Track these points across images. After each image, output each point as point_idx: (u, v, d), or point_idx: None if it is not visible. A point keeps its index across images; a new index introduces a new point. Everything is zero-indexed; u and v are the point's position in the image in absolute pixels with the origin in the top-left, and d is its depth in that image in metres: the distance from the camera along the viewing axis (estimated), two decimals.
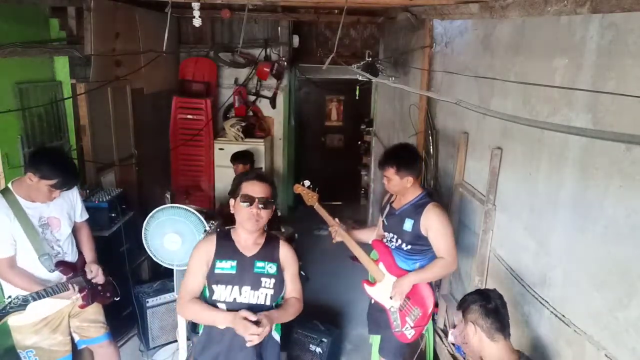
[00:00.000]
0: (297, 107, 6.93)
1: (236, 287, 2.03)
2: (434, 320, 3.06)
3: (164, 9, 3.41)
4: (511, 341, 1.83)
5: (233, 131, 5.77)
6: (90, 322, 2.81)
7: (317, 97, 7.09)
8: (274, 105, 6.21)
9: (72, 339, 2.79)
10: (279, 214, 4.96)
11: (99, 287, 2.78)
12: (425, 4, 3.03)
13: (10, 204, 2.42)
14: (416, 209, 2.61)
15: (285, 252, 2.14)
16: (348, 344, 3.92)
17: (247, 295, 2.03)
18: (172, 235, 2.69)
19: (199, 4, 3.06)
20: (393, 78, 4.35)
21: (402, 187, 2.61)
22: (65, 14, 3.70)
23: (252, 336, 1.89)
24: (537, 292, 2.14)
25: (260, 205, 2.01)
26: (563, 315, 1.93)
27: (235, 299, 2.02)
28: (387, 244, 2.76)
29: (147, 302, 3.59)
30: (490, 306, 1.79)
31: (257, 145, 5.81)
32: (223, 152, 5.70)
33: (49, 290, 2.45)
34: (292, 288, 2.16)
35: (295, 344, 3.56)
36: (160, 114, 5.48)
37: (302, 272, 4.50)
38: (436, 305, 2.71)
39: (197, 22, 3.10)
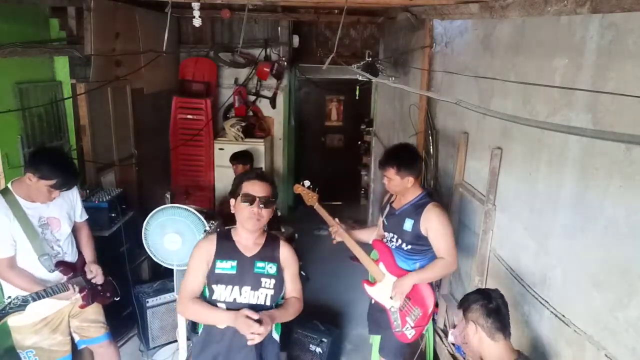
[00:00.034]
0: (297, 107, 6.93)
1: (236, 287, 2.03)
2: (434, 320, 3.06)
3: (164, 9, 3.41)
4: (511, 341, 1.84)
5: (233, 131, 5.77)
6: (90, 322, 2.81)
7: (317, 97, 7.09)
8: (274, 105, 6.21)
9: (72, 339, 2.79)
10: (279, 214, 4.96)
11: (99, 287, 2.78)
12: (425, 4, 3.03)
13: (9, 204, 2.42)
14: (416, 209, 2.61)
15: (286, 253, 2.14)
16: (348, 344, 3.92)
17: (247, 296, 2.03)
18: (172, 235, 2.69)
19: (199, 4, 3.06)
20: (393, 78, 4.35)
21: (403, 187, 2.61)
22: (65, 14, 3.70)
23: (253, 335, 1.89)
24: (537, 292, 2.14)
25: (261, 205, 2.01)
26: (563, 315, 1.93)
27: (235, 299, 2.02)
28: (387, 244, 2.76)
29: (147, 302, 3.59)
30: (492, 306, 1.79)
31: (257, 145, 5.81)
32: (223, 152, 5.69)
33: (49, 291, 2.45)
34: (293, 288, 2.16)
35: (295, 344, 3.56)
36: (160, 114, 5.48)
37: (302, 272, 4.51)
38: (436, 305, 2.71)
39: (197, 22, 3.10)
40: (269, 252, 2.11)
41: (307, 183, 2.83)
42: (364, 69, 3.92)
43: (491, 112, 2.14)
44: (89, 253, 2.81)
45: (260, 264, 2.07)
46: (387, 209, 2.80)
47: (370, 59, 4.18)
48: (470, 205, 2.94)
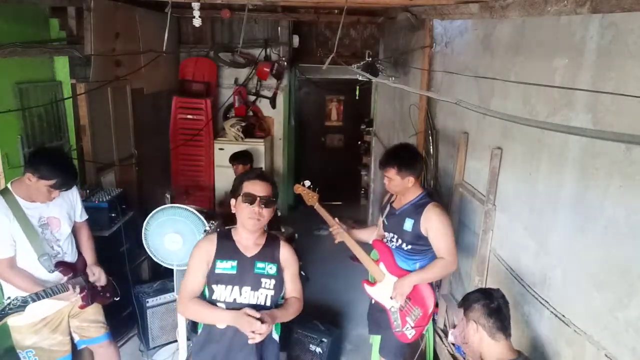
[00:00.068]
0: (297, 107, 6.93)
1: (236, 287, 2.03)
2: (434, 320, 3.06)
3: (164, 9, 3.42)
4: (511, 341, 1.84)
5: (233, 131, 5.77)
6: (90, 322, 2.81)
7: (317, 97, 7.09)
8: (274, 105, 6.21)
9: (72, 339, 2.79)
10: (279, 214, 4.95)
11: (99, 288, 2.78)
12: (425, 4, 3.03)
13: (9, 204, 2.42)
14: (416, 209, 2.61)
15: (286, 253, 2.14)
16: (348, 344, 3.92)
17: (247, 296, 2.03)
18: (173, 235, 2.69)
19: (199, 4, 3.06)
20: (393, 78, 4.35)
21: (404, 187, 2.61)
22: (65, 14, 3.70)
23: (254, 334, 1.89)
24: (537, 292, 2.14)
25: (262, 204, 2.01)
26: (563, 315, 1.93)
27: (235, 299, 2.02)
28: (387, 243, 2.76)
29: (147, 302, 3.59)
30: (493, 305, 1.80)
31: (257, 145, 5.81)
32: (223, 152, 5.70)
33: (49, 291, 2.45)
34: (293, 288, 2.17)
35: (295, 344, 3.56)
36: (160, 114, 5.48)
37: (302, 272, 4.50)
38: (436, 305, 2.71)
39: (197, 22, 3.10)
40: (269, 252, 2.11)
41: (307, 183, 2.83)
42: (364, 69, 3.92)
43: (491, 112, 2.14)
44: (89, 254, 2.81)
45: (260, 265, 2.07)
46: (387, 208, 2.80)
47: (370, 59, 4.18)
48: (470, 205, 2.94)
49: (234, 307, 2.01)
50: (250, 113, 6.22)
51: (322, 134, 7.27)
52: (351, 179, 7.25)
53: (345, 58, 5.16)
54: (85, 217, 2.83)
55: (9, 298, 2.35)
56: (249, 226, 2.03)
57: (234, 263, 2.05)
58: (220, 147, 5.79)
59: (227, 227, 2.23)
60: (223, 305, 2.03)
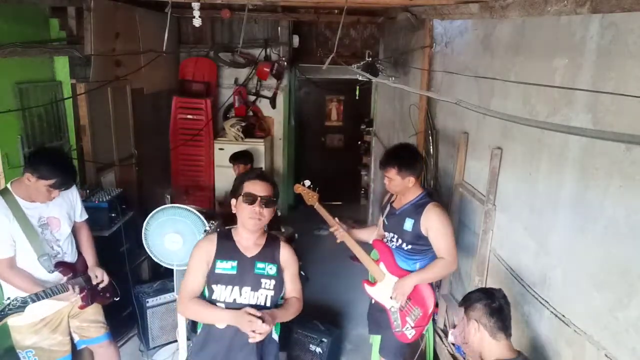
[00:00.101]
0: (297, 107, 6.93)
1: (236, 288, 2.03)
2: (434, 320, 3.06)
3: (164, 9, 3.42)
4: (511, 341, 1.84)
5: (233, 131, 5.77)
6: (90, 322, 2.81)
7: (317, 97, 7.09)
8: (274, 105, 6.22)
9: (72, 339, 2.79)
10: (279, 214, 4.96)
11: (99, 288, 2.78)
12: (425, 4, 3.03)
13: (9, 204, 2.42)
14: (416, 209, 2.61)
15: (286, 254, 2.15)
16: (348, 344, 3.92)
17: (247, 296, 2.03)
18: (173, 235, 2.69)
19: (199, 4, 3.06)
20: (393, 78, 4.35)
21: (404, 187, 2.61)
22: (65, 14, 3.70)
23: (254, 333, 1.89)
24: (537, 292, 2.14)
25: (263, 204, 2.01)
26: (563, 315, 1.93)
27: (235, 299, 2.02)
28: (387, 243, 2.76)
29: (147, 302, 3.59)
30: (495, 305, 1.80)
31: (257, 145, 5.81)
32: (223, 152, 5.70)
33: (48, 292, 2.45)
34: (292, 288, 2.17)
35: (295, 344, 3.56)
36: (160, 114, 5.48)
37: (302, 272, 4.50)
38: (436, 305, 2.71)
39: (197, 22, 3.09)
40: (269, 253, 2.11)
41: (307, 183, 2.83)
42: (364, 69, 3.92)
43: (491, 112, 2.14)
44: (90, 255, 2.80)
45: (260, 265, 2.07)
46: (388, 208, 2.80)
47: (370, 59, 4.18)
48: (470, 205, 2.94)
49: (234, 307, 2.01)
50: (250, 113, 6.22)
51: (322, 134, 7.27)
52: (351, 179, 7.25)
53: (345, 58, 5.16)
54: (85, 217, 2.83)
55: (8, 298, 2.35)
56: (249, 226, 2.03)
57: (234, 263, 2.05)
58: (220, 147, 5.79)
59: (227, 227, 2.23)
60: (223, 306, 2.03)
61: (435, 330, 3.18)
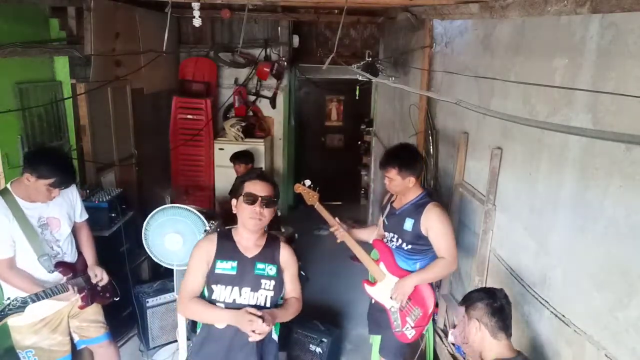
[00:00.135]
0: (297, 107, 6.93)
1: (236, 288, 2.03)
2: (434, 320, 3.06)
3: (164, 9, 3.42)
4: (511, 341, 1.84)
5: (233, 131, 5.77)
6: (90, 322, 2.81)
7: (317, 97, 7.09)
8: (274, 105, 6.22)
9: (72, 339, 2.79)
10: (279, 214, 4.96)
11: (99, 288, 2.78)
12: (425, 4, 3.03)
13: (9, 204, 2.42)
14: (417, 209, 2.61)
15: (286, 254, 2.15)
16: (348, 344, 3.92)
17: (247, 297, 2.03)
18: (173, 235, 2.69)
19: (199, 4, 3.06)
20: (393, 78, 4.35)
21: (404, 187, 2.61)
22: (65, 14, 3.70)
23: (254, 334, 1.89)
24: (537, 292, 2.14)
25: (263, 204, 2.01)
26: (563, 315, 1.93)
27: (234, 299, 2.02)
28: (387, 243, 2.76)
29: (147, 302, 3.59)
30: (497, 305, 1.81)
31: (257, 145, 5.81)
32: (223, 152, 5.70)
33: (48, 292, 2.45)
34: (292, 288, 2.17)
35: (295, 344, 3.56)
36: (160, 114, 5.48)
37: (302, 272, 4.51)
38: (436, 305, 2.71)
39: (197, 22, 3.09)
40: (269, 253, 2.11)
41: (307, 182, 2.83)
42: (364, 69, 3.92)
43: (491, 112, 2.14)
44: (90, 255, 2.80)
45: (260, 265, 2.07)
46: (388, 208, 2.80)
47: (370, 59, 4.18)
48: (470, 205, 2.94)
49: (234, 307, 2.01)
50: (250, 113, 6.22)
51: (322, 134, 7.27)
52: (351, 179, 7.25)
53: (345, 58, 5.17)
54: (86, 217, 2.83)
55: (8, 299, 2.35)
56: (250, 226, 2.03)
57: (234, 264, 2.05)
58: (220, 147, 5.80)
59: (227, 227, 2.23)
60: (222, 306, 2.03)
61: (435, 330, 3.18)
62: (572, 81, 1.84)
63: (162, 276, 3.76)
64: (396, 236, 2.71)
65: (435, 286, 3.03)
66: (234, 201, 2.09)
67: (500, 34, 2.51)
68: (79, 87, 3.79)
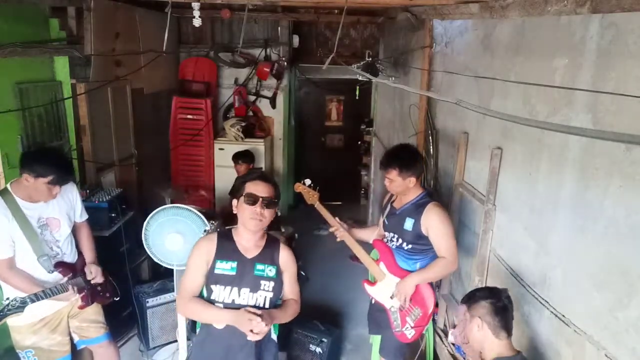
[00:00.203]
0: (297, 107, 6.93)
1: (235, 289, 2.03)
2: (434, 320, 3.06)
3: (164, 9, 3.42)
4: (511, 340, 1.85)
5: (233, 131, 5.77)
6: (89, 322, 2.81)
7: (317, 97, 7.09)
8: (274, 105, 6.22)
9: (72, 339, 2.79)
10: (279, 213, 4.95)
11: (99, 288, 2.78)
12: (425, 4, 3.03)
13: (8, 204, 2.42)
14: (417, 209, 2.61)
15: (285, 256, 2.15)
16: (348, 344, 3.92)
17: (246, 297, 2.03)
18: (174, 235, 2.69)
19: (199, 4, 3.06)
20: (393, 78, 4.35)
21: (405, 188, 2.62)
22: (65, 14, 3.70)
23: (253, 334, 1.89)
24: (537, 292, 2.14)
25: (264, 205, 2.01)
26: (563, 315, 1.93)
27: (233, 300, 2.02)
28: (387, 243, 2.76)
29: (147, 302, 3.59)
30: (500, 304, 1.82)
31: (257, 145, 5.81)
32: (223, 152, 5.70)
33: (48, 292, 2.45)
34: (291, 290, 2.17)
35: (295, 344, 3.56)
36: (160, 114, 5.48)
37: (302, 272, 4.51)
38: (436, 305, 2.71)
39: (197, 22, 3.09)
40: (268, 254, 2.11)
41: (307, 182, 2.83)
42: (364, 69, 3.92)
43: (491, 112, 2.14)
44: (89, 253, 2.81)
45: (260, 266, 2.07)
46: (388, 208, 2.80)
47: (370, 59, 4.18)
48: (470, 205, 2.94)
49: (232, 308, 2.01)
50: (250, 113, 6.22)
51: (322, 134, 7.27)
52: (351, 179, 7.25)
53: (345, 58, 5.17)
54: (86, 217, 2.83)
55: (7, 299, 2.35)
56: (250, 226, 2.03)
57: (234, 264, 2.04)
58: (220, 147, 5.80)
59: (227, 227, 2.23)
60: (221, 306, 2.03)
61: (435, 330, 3.18)
62: (572, 81, 1.84)
63: (162, 276, 3.76)
64: (396, 236, 2.71)
65: (435, 286, 3.03)
66: (234, 201, 2.09)
67: (500, 34, 2.51)
68: (79, 87, 3.79)
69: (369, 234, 2.94)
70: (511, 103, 2.35)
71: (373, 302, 2.89)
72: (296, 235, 4.83)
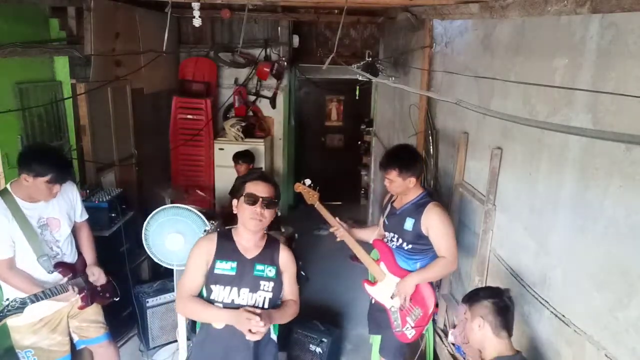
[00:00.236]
0: (297, 107, 6.93)
1: (235, 289, 2.02)
2: (434, 320, 3.06)
3: (164, 9, 3.42)
4: (511, 340, 1.85)
5: (233, 131, 5.77)
6: (89, 323, 2.81)
7: (317, 97, 7.09)
8: (274, 105, 6.22)
9: (71, 339, 2.79)
10: (279, 213, 4.95)
11: (98, 288, 2.78)
12: (425, 4, 3.03)
13: (8, 204, 2.41)
14: (417, 208, 2.61)
15: (285, 256, 2.15)
16: (348, 344, 3.92)
17: (245, 297, 2.03)
18: (174, 235, 2.69)
19: (199, 4, 3.06)
20: (393, 78, 4.35)
21: (405, 188, 2.62)
22: (65, 14, 3.70)
23: (252, 333, 1.89)
24: (537, 292, 2.14)
25: (264, 205, 2.01)
26: (563, 315, 1.93)
27: (233, 300, 2.02)
28: (388, 243, 2.76)
29: (147, 302, 3.59)
30: (502, 304, 1.84)
31: (257, 145, 5.81)
32: (223, 152, 5.70)
33: (48, 292, 2.45)
34: (290, 291, 2.17)
35: (295, 344, 3.56)
36: (160, 114, 5.48)
37: (302, 272, 4.51)
38: (436, 305, 2.71)
39: (197, 22, 3.10)
40: (268, 255, 2.11)
41: (307, 181, 2.83)
42: (364, 69, 3.92)
43: (491, 112, 2.14)
44: (89, 255, 2.80)
45: (260, 267, 2.07)
46: (388, 208, 2.80)
47: (370, 59, 4.18)
48: (470, 205, 2.94)
49: (232, 308, 2.01)
50: (250, 113, 6.22)
51: (322, 134, 7.27)
52: (351, 179, 7.25)
53: (345, 58, 5.17)
54: (86, 217, 2.83)
55: (7, 299, 2.35)
56: (250, 227, 2.03)
57: (234, 264, 2.04)
58: (220, 147, 5.79)
59: (227, 227, 2.23)
60: (221, 306, 2.03)
61: (435, 330, 3.18)
62: (572, 81, 1.84)
63: (162, 276, 3.76)
64: (396, 236, 2.71)
65: (435, 286, 3.03)
66: (234, 201, 2.09)
67: (500, 34, 2.51)
68: (79, 87, 3.79)
69: (369, 234, 2.94)
70: (511, 103, 2.35)
71: (373, 302, 2.89)
72: (296, 235, 4.83)
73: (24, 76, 3.37)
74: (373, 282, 2.80)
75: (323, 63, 2.94)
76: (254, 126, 6.02)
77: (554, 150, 2.01)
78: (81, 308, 2.70)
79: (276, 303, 2.11)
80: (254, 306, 2.02)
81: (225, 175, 5.50)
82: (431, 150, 3.58)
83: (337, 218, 2.82)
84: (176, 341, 2.98)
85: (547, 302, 2.05)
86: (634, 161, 1.53)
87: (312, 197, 2.82)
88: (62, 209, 2.63)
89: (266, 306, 2.05)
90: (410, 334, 2.68)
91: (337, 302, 4.46)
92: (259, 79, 6.04)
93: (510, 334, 1.84)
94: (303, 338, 3.55)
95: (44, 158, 2.44)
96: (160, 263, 2.80)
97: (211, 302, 2.03)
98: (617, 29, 1.61)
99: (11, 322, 2.53)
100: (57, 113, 3.72)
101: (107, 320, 2.91)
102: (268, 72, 5.87)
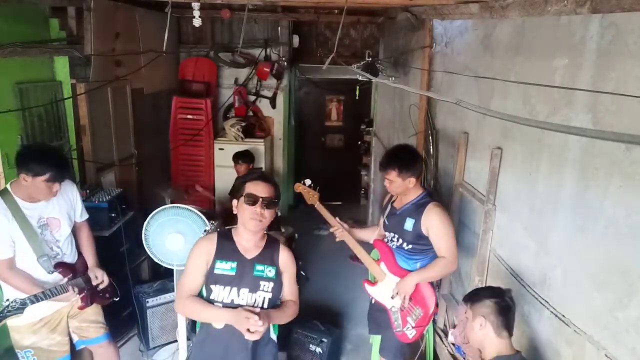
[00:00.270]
0: (297, 107, 6.93)
1: (234, 289, 2.03)
2: (434, 320, 3.06)
3: (164, 9, 3.42)
4: (511, 340, 1.85)
5: (233, 131, 5.77)
6: (89, 323, 2.81)
7: (317, 97, 7.09)
8: (274, 105, 6.22)
9: (71, 339, 2.79)
10: (279, 214, 4.95)
11: (99, 288, 2.77)
12: (425, 4, 3.03)
13: (8, 204, 2.41)
14: (417, 209, 2.61)
15: (285, 257, 2.15)
16: (348, 344, 3.92)
17: (245, 298, 2.03)
18: (174, 235, 2.69)
19: (199, 4, 3.06)
20: (393, 78, 4.35)
21: (405, 188, 2.62)
22: (65, 14, 3.70)
23: (251, 333, 1.89)
24: (537, 292, 2.14)
25: (264, 205, 2.01)
26: (563, 315, 1.93)
27: (232, 300, 2.02)
28: (388, 243, 2.77)
29: (147, 302, 3.59)
30: (504, 304, 1.84)
31: (257, 145, 5.81)
32: (223, 152, 5.70)
33: (48, 293, 2.44)
34: (290, 291, 2.17)
35: (295, 344, 3.56)
36: (160, 114, 5.48)
37: (302, 272, 4.51)
38: (436, 305, 2.71)
39: (197, 22, 3.10)
40: (268, 255, 2.11)
41: (307, 182, 2.83)
42: (364, 69, 3.92)
43: (491, 112, 2.14)
44: (90, 256, 2.80)
45: (259, 267, 2.07)
46: (388, 208, 2.80)
47: (370, 59, 4.18)
48: (470, 205, 2.94)
49: (231, 308, 2.01)
50: (250, 113, 6.22)
51: (322, 134, 7.27)
52: (351, 179, 7.25)
53: (345, 58, 5.17)
54: (86, 216, 2.82)
55: (7, 300, 2.35)
56: (250, 227, 2.03)
57: (234, 264, 2.04)
58: (220, 147, 5.80)
59: (227, 227, 2.23)
60: (220, 306, 2.03)
61: (435, 330, 3.18)
62: (572, 81, 1.84)
63: (162, 276, 3.76)
64: (397, 236, 2.71)
65: (435, 286, 3.03)
66: (234, 202, 2.09)
67: (500, 34, 2.51)
68: (79, 87, 3.79)
69: (369, 234, 2.94)
70: (511, 103, 2.35)
71: (373, 302, 2.89)
72: (296, 235, 4.83)
73: (24, 76, 3.37)
74: (373, 282, 2.80)
75: (323, 63, 2.94)
76: (254, 126, 6.02)
77: (554, 150, 2.01)
78: (81, 308, 2.70)
79: (276, 303, 2.11)
80: (253, 306, 2.02)
81: (225, 175, 5.50)
82: (431, 150, 3.58)
83: (337, 218, 2.82)
84: (176, 341, 2.98)
85: (547, 302, 2.05)
86: (634, 161, 1.53)
87: (312, 197, 2.82)
88: (62, 209, 2.63)
89: (266, 306, 2.05)
90: (411, 334, 2.68)
91: (337, 302, 4.46)
92: (259, 79, 6.04)
93: (510, 334, 1.85)
94: (303, 338, 3.55)
95: (42, 157, 2.43)
96: (160, 263, 2.80)
97: (211, 302, 2.03)
98: (617, 29, 1.61)
99: (11, 322, 2.52)
100: (57, 113, 3.72)
101: (107, 320, 2.91)
102: (268, 72, 5.87)
